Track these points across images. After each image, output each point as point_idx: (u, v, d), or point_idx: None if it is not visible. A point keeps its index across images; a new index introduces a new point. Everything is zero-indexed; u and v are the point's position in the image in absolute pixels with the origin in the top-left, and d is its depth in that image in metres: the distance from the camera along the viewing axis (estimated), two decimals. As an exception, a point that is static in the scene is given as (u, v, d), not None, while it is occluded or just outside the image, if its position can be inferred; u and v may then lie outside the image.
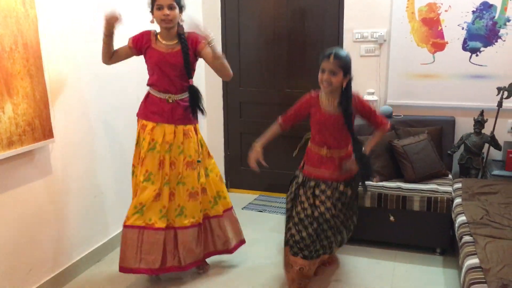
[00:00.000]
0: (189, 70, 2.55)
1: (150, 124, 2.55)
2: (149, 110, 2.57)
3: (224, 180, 2.88)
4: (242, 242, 2.90)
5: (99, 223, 2.99)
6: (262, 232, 3.40)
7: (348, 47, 3.63)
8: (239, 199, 4.15)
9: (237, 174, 4.37)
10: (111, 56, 2.52)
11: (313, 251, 2.47)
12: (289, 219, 2.57)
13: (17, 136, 2.24)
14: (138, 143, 2.62)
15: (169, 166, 2.55)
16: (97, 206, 2.97)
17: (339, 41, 3.70)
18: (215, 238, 2.77)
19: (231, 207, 2.85)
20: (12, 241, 2.34)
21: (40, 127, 2.38)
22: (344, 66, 2.32)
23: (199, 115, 2.67)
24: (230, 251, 2.82)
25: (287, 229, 2.56)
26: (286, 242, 2.55)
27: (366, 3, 3.53)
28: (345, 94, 2.39)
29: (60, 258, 2.67)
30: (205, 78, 4.15)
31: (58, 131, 2.56)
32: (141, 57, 2.59)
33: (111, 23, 2.36)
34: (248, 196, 4.22)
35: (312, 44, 3.85)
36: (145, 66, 2.59)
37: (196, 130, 2.66)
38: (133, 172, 2.66)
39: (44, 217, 2.54)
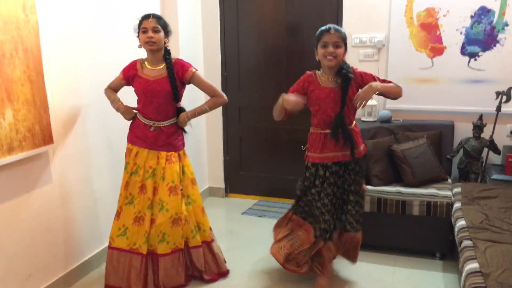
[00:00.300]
0: (177, 96, 2.58)
1: (135, 149, 2.60)
2: (134, 134, 2.62)
3: (206, 212, 2.80)
4: (222, 274, 2.82)
5: (99, 228, 2.98)
6: (262, 237, 3.38)
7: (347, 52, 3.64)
8: (238, 204, 4.15)
9: (237, 179, 4.37)
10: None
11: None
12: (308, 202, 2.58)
13: (18, 142, 2.24)
14: (125, 167, 2.64)
15: (152, 191, 2.56)
16: (97, 210, 2.96)
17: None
18: (192, 266, 2.76)
19: (211, 241, 2.78)
20: (12, 246, 2.33)
21: (40, 133, 2.38)
22: (344, 38, 2.39)
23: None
24: (203, 279, 2.77)
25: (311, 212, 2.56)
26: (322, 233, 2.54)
27: (365, 8, 3.54)
28: (344, 65, 2.41)
29: (59, 264, 2.67)
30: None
31: (58, 137, 2.56)
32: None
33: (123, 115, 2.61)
34: (248, 201, 4.21)
35: (311, 48, 3.83)
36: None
37: (180, 156, 2.64)
38: (121, 194, 2.65)
39: (43, 222, 2.53)
